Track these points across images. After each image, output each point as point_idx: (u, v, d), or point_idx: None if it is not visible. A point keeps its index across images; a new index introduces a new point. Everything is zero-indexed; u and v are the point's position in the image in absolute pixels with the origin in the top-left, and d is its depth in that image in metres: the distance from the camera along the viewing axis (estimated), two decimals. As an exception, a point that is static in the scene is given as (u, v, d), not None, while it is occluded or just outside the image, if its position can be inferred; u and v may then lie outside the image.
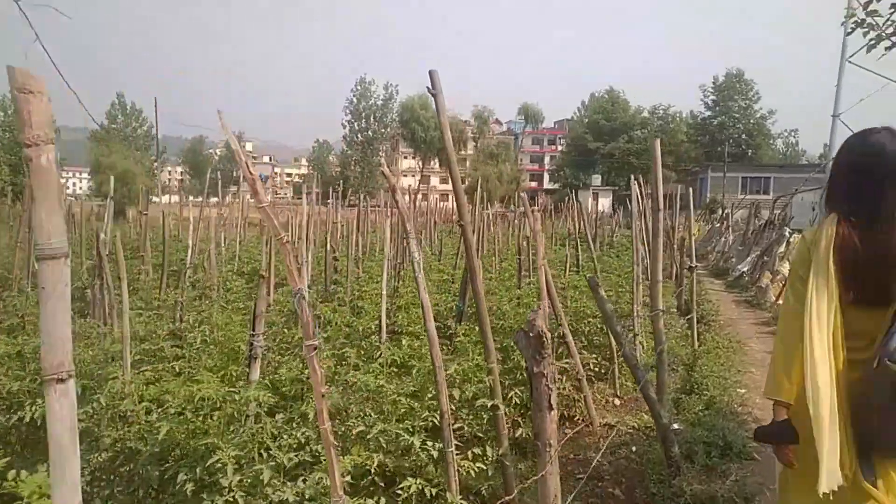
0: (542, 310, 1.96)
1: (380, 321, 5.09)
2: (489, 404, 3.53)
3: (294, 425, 3.26)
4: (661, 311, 4.50)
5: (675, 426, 4.79)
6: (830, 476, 1.96)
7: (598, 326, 6.25)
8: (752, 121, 62.87)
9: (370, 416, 3.52)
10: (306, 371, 3.70)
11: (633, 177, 7.48)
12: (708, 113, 64.60)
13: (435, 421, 3.35)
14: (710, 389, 5.35)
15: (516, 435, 4.58)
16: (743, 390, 5.57)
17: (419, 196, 52.86)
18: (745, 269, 13.71)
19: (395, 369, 4.42)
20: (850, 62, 27.72)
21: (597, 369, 5.99)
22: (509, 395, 4.72)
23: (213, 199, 21.68)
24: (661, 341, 4.54)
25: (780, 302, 10.35)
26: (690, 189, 10.59)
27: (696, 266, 7.37)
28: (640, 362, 5.78)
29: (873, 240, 2.01)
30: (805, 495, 2.12)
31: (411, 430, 3.37)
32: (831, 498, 1.93)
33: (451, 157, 3.50)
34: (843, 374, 2.02)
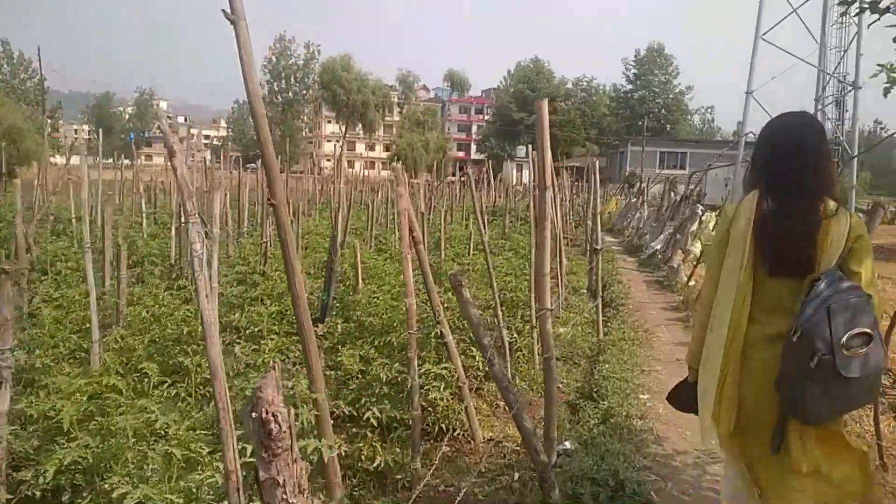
0: (271, 374, 0.93)
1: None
2: (313, 447, 2.61)
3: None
4: (547, 310, 3.70)
5: (566, 444, 4.07)
6: (705, 432, 2.26)
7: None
8: (670, 96, 64.28)
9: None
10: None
11: (529, 145, 6.69)
12: (629, 87, 65.48)
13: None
14: (609, 395, 4.67)
15: (375, 465, 3.73)
16: (646, 396, 4.93)
17: (343, 163, 51.27)
18: (658, 247, 13.40)
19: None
20: (763, 39, 28.31)
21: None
22: (366, 416, 3.86)
23: (126, 161, 20.01)
24: (549, 348, 3.74)
25: (692, 283, 10.07)
26: (597, 161, 9.95)
27: (601, 248, 6.70)
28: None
29: (790, 215, 2.10)
30: (735, 452, 2.31)
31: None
32: (759, 459, 2.18)
33: (257, 110, 2.52)
34: (761, 345, 2.15)
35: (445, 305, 4.75)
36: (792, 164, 2.13)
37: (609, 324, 7.63)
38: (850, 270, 2.10)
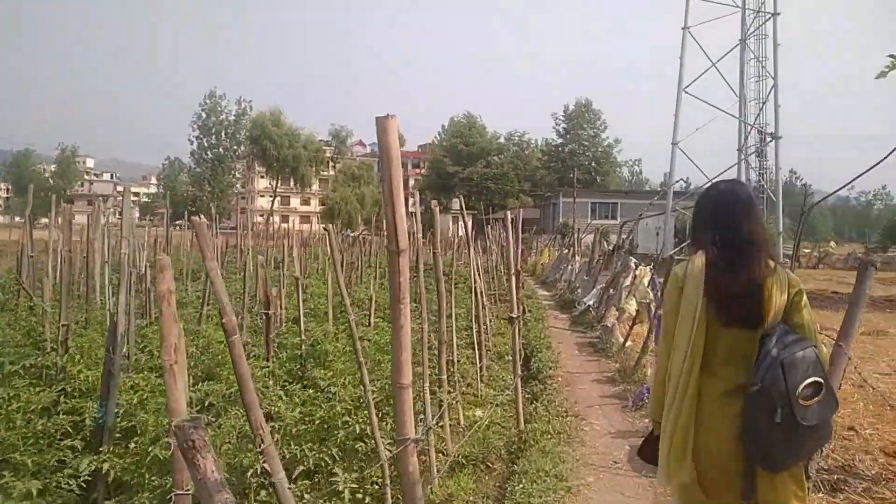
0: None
1: None
2: None
3: None
4: (411, 442, 2.44)
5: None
6: (659, 474, 2.40)
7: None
8: (599, 149, 65.75)
9: None
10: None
11: (418, 193, 5.59)
12: (560, 140, 66.77)
13: None
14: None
15: None
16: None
17: (273, 218, 49.29)
18: (590, 303, 12.44)
19: None
20: (686, 92, 28.92)
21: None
22: None
23: (44, 220, 18.68)
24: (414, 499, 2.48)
25: (628, 344, 9.08)
26: (521, 211, 9.00)
27: (519, 316, 5.54)
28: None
29: (737, 274, 2.21)
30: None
31: None
32: None
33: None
34: (721, 399, 2.23)
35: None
36: (734, 228, 2.27)
37: (535, 404, 6.43)
38: (794, 322, 2.23)
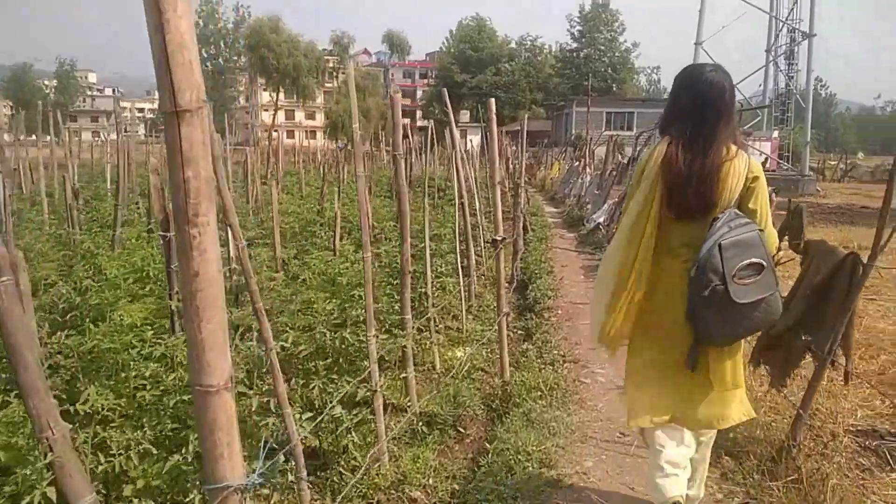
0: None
1: None
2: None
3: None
4: (232, 492, 1.31)
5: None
6: (591, 334, 2.58)
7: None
8: (616, 54, 62.21)
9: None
10: None
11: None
12: (574, 45, 63.16)
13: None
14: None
15: None
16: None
17: (277, 133, 47.20)
18: (600, 220, 11.19)
19: None
20: (713, -15, 26.26)
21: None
22: None
23: (47, 138, 17.45)
24: None
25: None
26: (526, 119, 7.65)
27: (504, 238, 4.34)
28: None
29: (695, 162, 2.24)
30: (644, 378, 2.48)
31: None
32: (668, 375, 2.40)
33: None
34: (667, 279, 2.34)
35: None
36: (708, 114, 2.27)
37: (527, 343, 5.36)
38: (747, 209, 2.29)
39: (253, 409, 2.67)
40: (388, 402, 4.07)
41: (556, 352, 4.85)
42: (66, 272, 4.65)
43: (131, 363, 2.92)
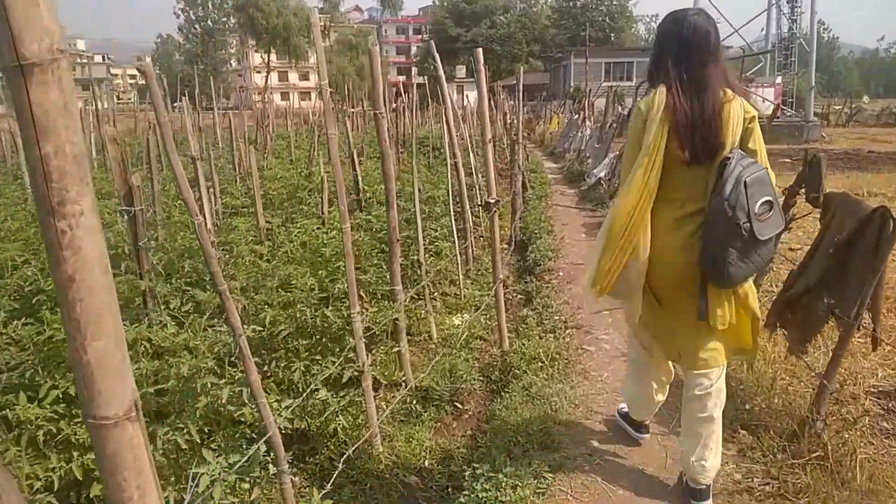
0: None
1: None
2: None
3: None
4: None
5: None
6: (588, 284, 2.49)
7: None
8: (614, 2, 60.48)
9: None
10: None
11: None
12: (571, -6, 61.42)
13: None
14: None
15: None
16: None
17: (269, 95, 46.18)
18: (601, 175, 10.84)
19: None
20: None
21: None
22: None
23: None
24: None
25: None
26: (522, 70, 7.25)
27: (499, 200, 4.04)
28: None
29: (697, 105, 2.25)
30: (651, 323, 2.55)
31: None
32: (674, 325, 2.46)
33: None
34: (676, 225, 2.32)
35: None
36: (700, 58, 2.28)
37: (527, 309, 5.11)
38: (748, 149, 2.32)
39: (224, 400, 2.43)
40: (380, 378, 3.85)
41: (557, 317, 4.60)
42: (37, 251, 4.38)
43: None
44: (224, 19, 70.45)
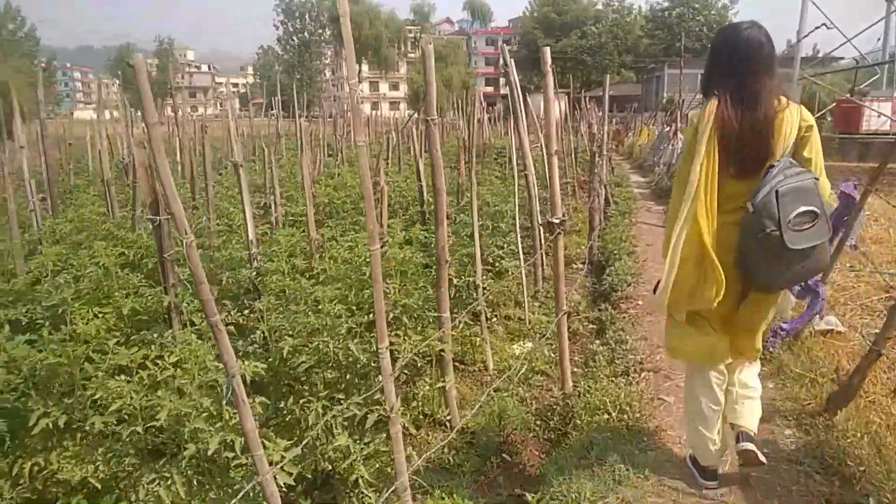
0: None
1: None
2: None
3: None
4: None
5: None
6: (654, 301, 2.49)
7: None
8: (712, 11, 57.73)
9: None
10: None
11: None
12: (666, 3, 59.14)
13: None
14: None
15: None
16: None
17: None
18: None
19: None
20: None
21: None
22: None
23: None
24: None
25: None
26: (611, 81, 6.69)
27: (565, 220, 3.50)
28: None
29: (747, 117, 2.25)
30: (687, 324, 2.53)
31: None
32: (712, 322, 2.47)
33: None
34: (721, 233, 2.31)
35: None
36: (752, 71, 2.27)
37: (598, 342, 4.52)
38: (802, 158, 2.31)
39: (211, 452, 2.05)
40: (420, 416, 3.41)
41: (631, 357, 3.98)
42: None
43: (91, 378, 2.38)
44: (320, 31, 72.86)
